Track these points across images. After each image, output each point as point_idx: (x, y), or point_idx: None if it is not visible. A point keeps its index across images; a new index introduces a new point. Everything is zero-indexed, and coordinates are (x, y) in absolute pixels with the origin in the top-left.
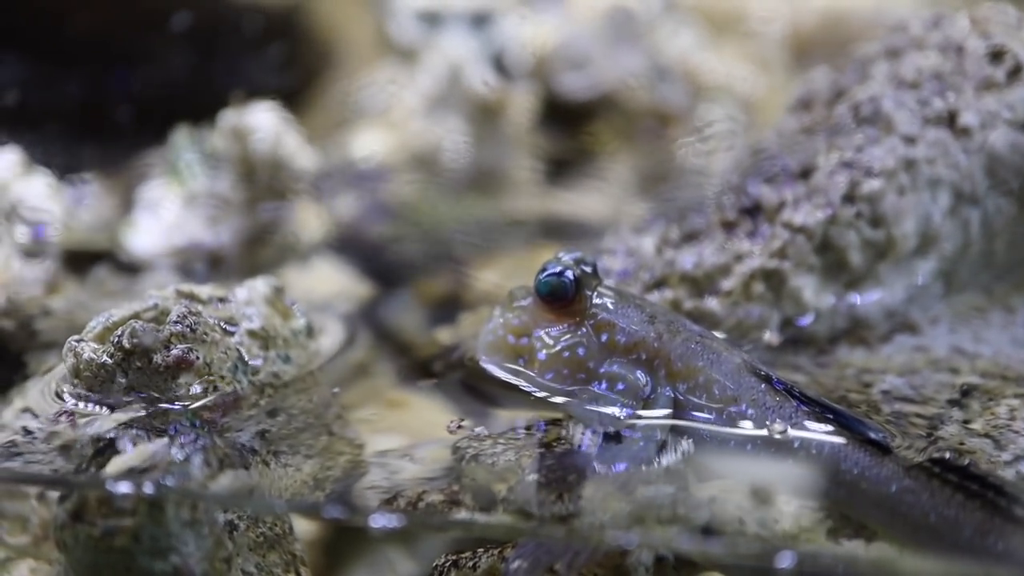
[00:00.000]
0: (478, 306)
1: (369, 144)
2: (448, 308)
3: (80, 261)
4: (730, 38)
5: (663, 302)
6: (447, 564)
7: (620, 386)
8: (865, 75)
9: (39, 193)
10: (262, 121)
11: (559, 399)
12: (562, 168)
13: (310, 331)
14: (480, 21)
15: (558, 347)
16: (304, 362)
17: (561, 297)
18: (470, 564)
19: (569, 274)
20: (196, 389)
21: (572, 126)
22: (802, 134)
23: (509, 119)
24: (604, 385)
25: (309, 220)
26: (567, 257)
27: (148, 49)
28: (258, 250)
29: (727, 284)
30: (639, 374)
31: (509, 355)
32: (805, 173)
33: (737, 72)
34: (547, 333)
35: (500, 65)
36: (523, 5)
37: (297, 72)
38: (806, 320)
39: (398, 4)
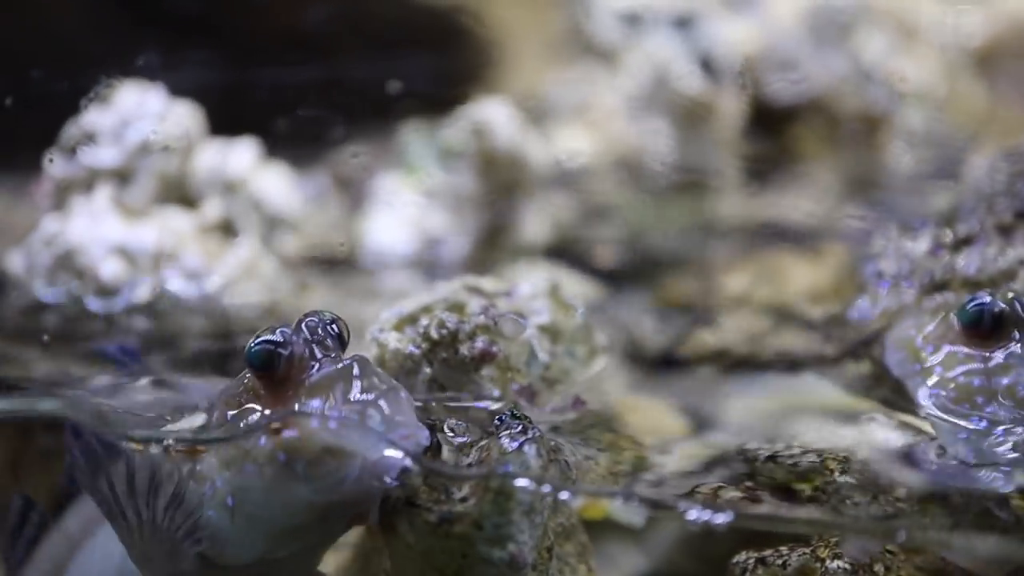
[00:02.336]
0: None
1: (570, 143)
2: (693, 311)
3: (319, 259)
4: (917, 43)
5: (944, 304)
6: (750, 560)
7: None
8: None
9: (278, 188)
10: (499, 117)
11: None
12: (767, 171)
13: (588, 328)
14: (683, 23)
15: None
16: (584, 358)
17: (982, 326)
18: (779, 562)
19: (994, 305)
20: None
21: (776, 129)
22: None
23: (716, 122)
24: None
25: (535, 219)
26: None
27: (316, 45)
28: (491, 248)
29: (1014, 288)
30: None
31: (910, 358)
32: None
33: (931, 77)
34: (955, 355)
35: (706, 67)
36: (724, 7)
37: (463, 69)
38: None
39: (597, 4)
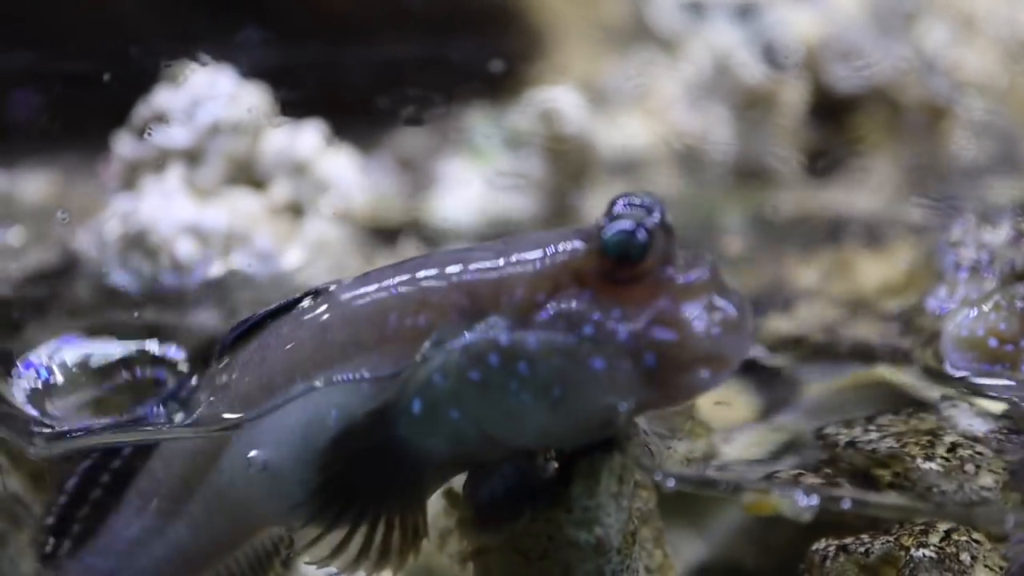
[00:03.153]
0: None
1: (629, 131)
2: (765, 301)
3: (385, 237)
4: (977, 35)
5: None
6: (831, 548)
7: None
8: None
9: (344, 169)
10: (568, 103)
11: None
12: (829, 161)
13: None
14: (745, 12)
15: None
16: None
17: None
18: (861, 550)
19: None
20: None
21: (838, 119)
22: None
23: (777, 111)
24: None
25: (601, 205)
26: None
27: (369, 29)
28: None
29: None
30: None
31: (986, 358)
32: None
33: (991, 68)
34: None
35: (769, 56)
36: None
37: (517, 55)
38: None
39: None
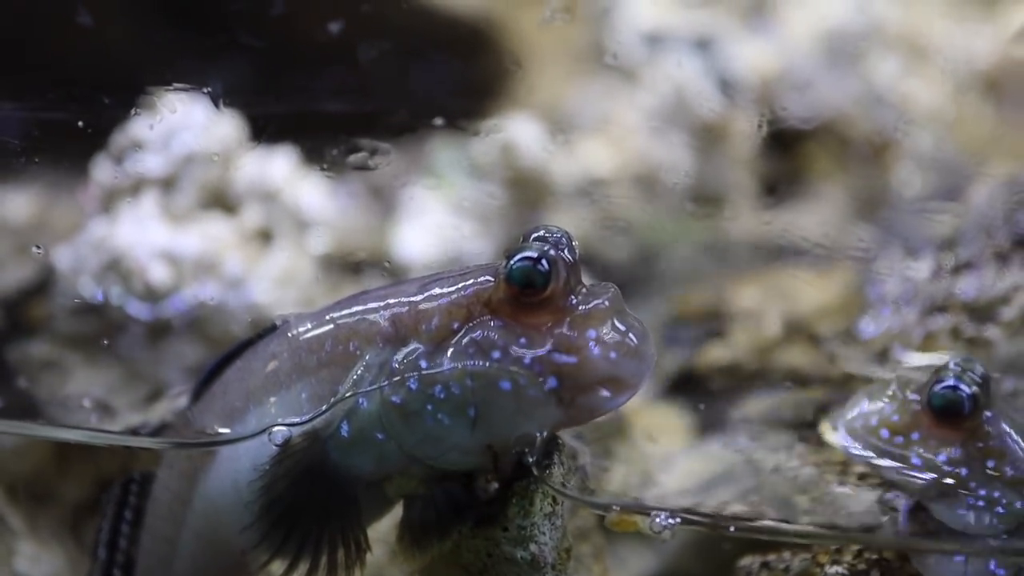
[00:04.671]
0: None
1: (591, 158)
2: (705, 324)
3: (351, 266)
4: (928, 66)
5: (943, 328)
6: (755, 564)
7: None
8: None
9: (314, 196)
10: (527, 135)
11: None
12: (781, 190)
13: None
14: (703, 44)
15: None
16: None
17: (955, 414)
18: (782, 567)
19: (966, 389)
20: None
21: (790, 149)
22: None
23: (732, 141)
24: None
25: None
26: (956, 366)
27: (341, 55)
28: None
29: (1007, 314)
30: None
31: (875, 450)
32: None
33: (940, 100)
34: (927, 444)
35: (724, 88)
36: (743, 28)
37: (487, 81)
38: None
39: (620, 23)
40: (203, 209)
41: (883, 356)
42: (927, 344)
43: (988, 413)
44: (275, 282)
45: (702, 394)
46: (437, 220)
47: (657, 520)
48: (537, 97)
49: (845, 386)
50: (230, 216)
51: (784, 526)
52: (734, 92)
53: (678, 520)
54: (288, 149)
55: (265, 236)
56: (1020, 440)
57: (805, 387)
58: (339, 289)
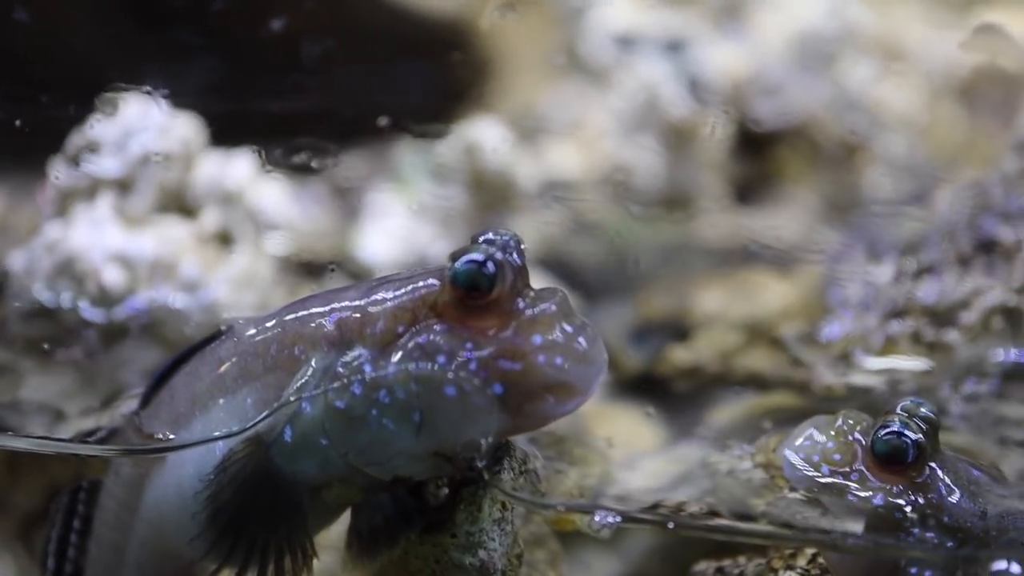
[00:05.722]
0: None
1: (561, 160)
2: (669, 327)
3: (312, 269)
4: (902, 70)
5: (904, 332)
6: (709, 569)
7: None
8: None
9: (275, 199)
10: (490, 137)
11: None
12: (751, 193)
13: None
14: (674, 47)
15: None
16: None
17: (899, 461)
18: (736, 571)
19: (910, 436)
20: None
21: (761, 152)
22: None
23: (702, 144)
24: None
25: (522, 234)
26: (902, 411)
27: (311, 57)
28: None
29: (967, 318)
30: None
31: (815, 484)
32: None
33: (914, 104)
34: (866, 482)
35: (695, 90)
36: (715, 31)
37: (460, 83)
38: None
39: (592, 25)
40: (160, 212)
41: (844, 360)
42: (888, 348)
43: (931, 464)
44: (234, 285)
45: (662, 397)
46: (400, 223)
47: (596, 519)
48: (509, 100)
49: (804, 392)
50: (188, 219)
51: (720, 522)
52: (705, 95)
53: (618, 519)
54: (249, 151)
55: (224, 239)
56: (959, 491)
57: (766, 391)
58: (298, 292)
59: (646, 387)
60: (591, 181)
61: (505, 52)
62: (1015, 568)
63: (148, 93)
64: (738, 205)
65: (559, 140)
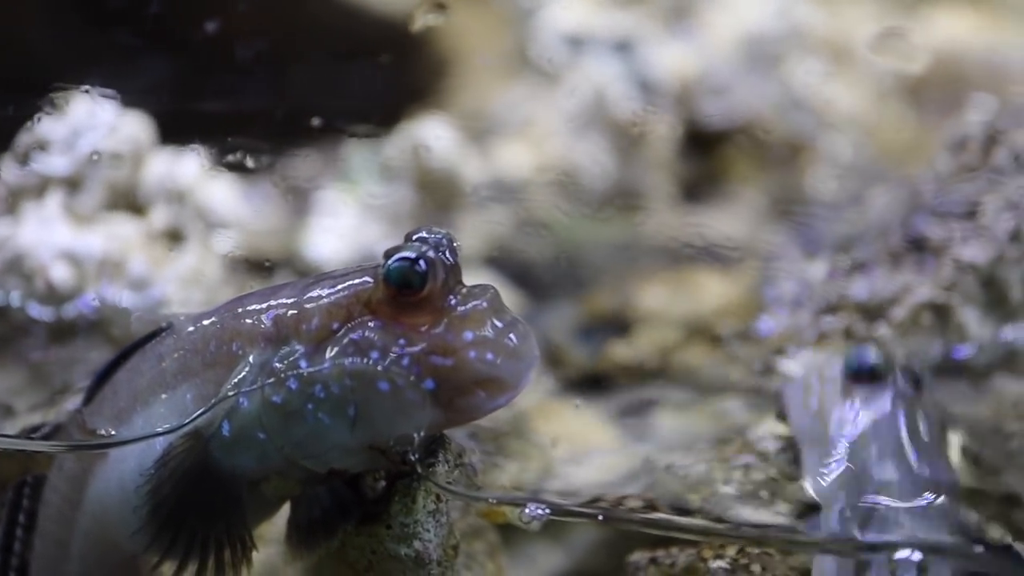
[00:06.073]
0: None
1: (511, 159)
2: (612, 324)
3: (259, 267)
4: (851, 70)
5: (836, 328)
6: (643, 560)
7: None
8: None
9: (224, 197)
10: (437, 137)
11: None
12: (698, 192)
13: None
14: (622, 47)
15: None
16: None
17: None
18: (668, 562)
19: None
20: None
21: (709, 152)
22: (962, 174)
23: (650, 143)
24: None
25: (469, 232)
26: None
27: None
28: None
29: (898, 313)
30: None
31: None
32: (971, 212)
33: (861, 104)
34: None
35: (643, 90)
36: (664, 31)
37: (414, 82)
38: (964, 351)
39: (542, 25)
40: (109, 210)
41: (779, 355)
42: (820, 343)
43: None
44: (182, 282)
45: (604, 393)
46: (348, 222)
47: (526, 511)
48: (460, 99)
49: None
50: (138, 217)
51: (653, 516)
52: (654, 95)
53: (547, 512)
54: (199, 150)
55: (174, 236)
56: None
57: (705, 389)
58: (246, 290)
59: (587, 384)
60: (540, 180)
61: (458, 51)
62: None
63: (87, 92)
64: (685, 204)
65: (509, 140)
